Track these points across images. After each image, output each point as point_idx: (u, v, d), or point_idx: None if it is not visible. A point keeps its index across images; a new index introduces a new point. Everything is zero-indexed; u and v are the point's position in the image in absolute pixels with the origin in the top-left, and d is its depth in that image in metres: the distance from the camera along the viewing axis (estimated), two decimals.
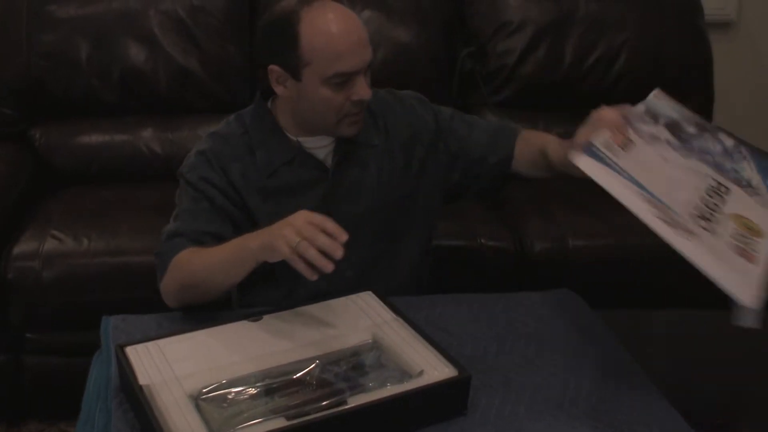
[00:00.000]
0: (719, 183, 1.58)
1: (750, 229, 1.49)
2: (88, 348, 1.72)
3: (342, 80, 1.59)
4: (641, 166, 1.49)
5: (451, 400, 1.39)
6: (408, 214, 1.82)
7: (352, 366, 1.42)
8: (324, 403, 1.32)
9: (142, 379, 1.37)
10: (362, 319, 1.55)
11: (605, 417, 1.41)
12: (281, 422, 1.28)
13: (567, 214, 2.58)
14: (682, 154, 1.61)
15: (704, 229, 1.42)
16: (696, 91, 3.01)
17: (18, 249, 2.34)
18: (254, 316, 1.56)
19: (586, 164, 1.49)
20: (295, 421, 1.28)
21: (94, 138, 2.80)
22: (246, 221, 1.72)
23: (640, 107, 1.71)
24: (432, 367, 1.40)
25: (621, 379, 1.51)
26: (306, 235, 1.40)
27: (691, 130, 1.68)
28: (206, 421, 1.29)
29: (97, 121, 2.82)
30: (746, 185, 1.61)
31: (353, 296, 1.62)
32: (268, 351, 1.46)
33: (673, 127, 1.65)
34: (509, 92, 2.95)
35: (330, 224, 1.42)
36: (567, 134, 2.83)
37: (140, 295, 2.19)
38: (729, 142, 1.71)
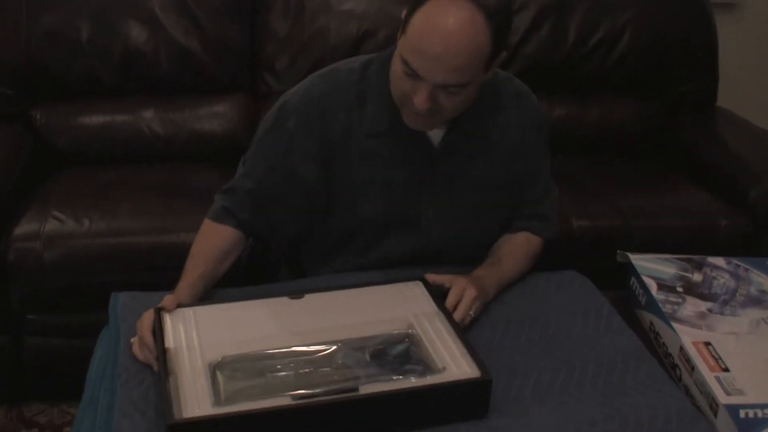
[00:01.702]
0: None
1: None
2: (90, 329, 1.72)
3: (410, 71, 1.48)
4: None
5: (469, 401, 1.34)
6: (492, 220, 1.78)
7: (377, 354, 1.39)
8: (333, 387, 1.30)
9: (168, 342, 1.40)
10: (403, 308, 1.52)
11: (612, 401, 1.40)
12: (285, 401, 1.27)
13: (570, 195, 2.52)
14: (731, 312, 1.58)
15: None
16: (701, 72, 3.00)
17: (19, 230, 2.32)
18: (297, 293, 1.55)
19: None
20: (298, 402, 1.27)
21: (95, 119, 2.78)
22: (320, 186, 1.68)
23: (633, 282, 1.69)
24: (455, 366, 1.36)
25: (628, 362, 1.49)
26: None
27: (695, 277, 1.66)
28: (216, 391, 1.29)
29: (98, 102, 2.79)
30: None
31: (402, 284, 1.59)
32: (298, 329, 1.45)
33: (692, 288, 1.63)
34: (512, 71, 2.74)
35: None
36: (568, 116, 2.90)
37: (142, 275, 2.23)
38: (724, 265, 1.71)
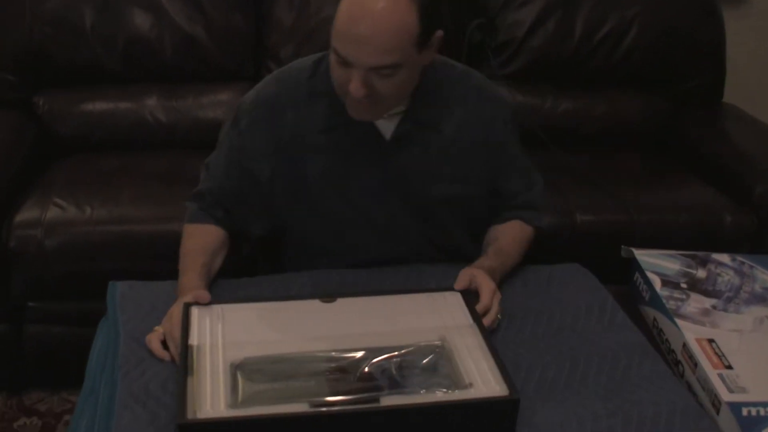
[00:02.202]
0: None
1: None
2: (91, 317, 1.70)
3: (341, 59, 1.47)
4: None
5: (495, 420, 1.28)
6: (460, 214, 1.76)
7: (404, 365, 1.33)
8: (353, 397, 1.26)
9: (192, 339, 1.38)
10: (436, 319, 1.48)
11: (615, 396, 1.38)
12: (302, 408, 1.22)
13: (575, 189, 2.55)
14: (735, 309, 1.56)
15: None
16: (707, 67, 2.98)
17: (20, 217, 2.30)
18: (329, 296, 1.52)
19: None
20: (315, 410, 1.22)
21: (98, 106, 2.76)
22: (278, 180, 1.68)
23: (637, 278, 1.67)
24: (483, 382, 1.30)
25: (631, 358, 1.47)
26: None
27: (699, 273, 1.64)
28: (234, 393, 1.26)
29: (101, 89, 2.78)
30: None
31: (439, 293, 1.55)
32: (326, 334, 1.42)
33: (696, 284, 1.61)
34: (518, 65, 2.90)
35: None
36: (574, 110, 2.89)
37: (143, 263, 2.24)
38: (729, 261, 1.69)
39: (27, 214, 2.32)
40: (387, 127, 1.64)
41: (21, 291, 2.34)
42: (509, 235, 1.74)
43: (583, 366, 1.45)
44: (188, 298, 1.49)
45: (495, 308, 1.52)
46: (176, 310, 1.47)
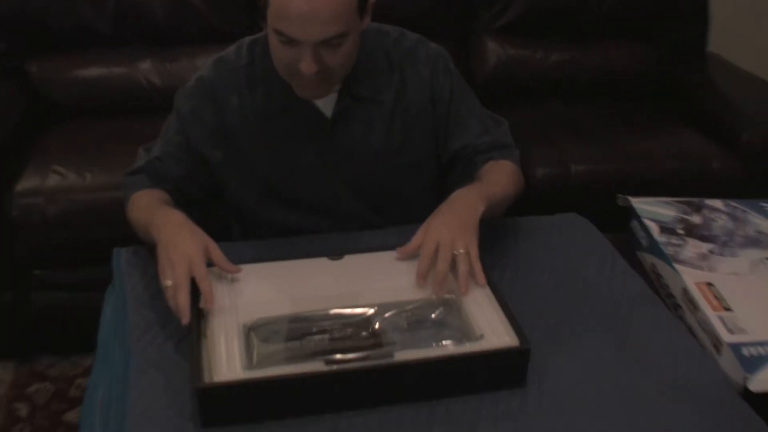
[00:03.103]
0: None
1: None
2: (96, 283, 1.70)
3: (286, 39, 1.41)
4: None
5: (507, 370, 1.26)
6: (413, 182, 1.70)
7: (414, 319, 1.31)
8: (368, 353, 1.24)
9: (203, 302, 1.34)
10: (402, 260, 1.45)
11: (621, 341, 1.38)
12: (318, 366, 1.21)
13: (569, 140, 2.54)
14: (731, 253, 1.54)
15: None
16: (692, 17, 2.98)
17: (21, 186, 2.29)
18: (337, 254, 1.49)
19: None
20: (331, 368, 1.21)
21: (91, 71, 2.73)
22: (230, 166, 1.65)
23: (635, 225, 1.64)
24: (493, 333, 1.28)
25: (634, 303, 1.46)
26: (175, 283, 1.32)
27: (695, 219, 1.62)
28: (249, 354, 1.25)
29: (94, 54, 2.74)
30: None
31: None
32: (336, 292, 1.39)
33: (692, 230, 1.60)
34: (509, 18, 2.88)
35: (204, 284, 1.33)
36: (565, 61, 2.86)
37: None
38: (722, 207, 1.68)
39: (27, 182, 2.30)
40: (327, 105, 1.60)
41: (26, 259, 2.33)
42: (484, 171, 1.65)
43: (588, 313, 1.44)
44: (194, 245, 1.37)
45: (442, 261, 1.36)
46: (180, 261, 1.34)
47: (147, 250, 1.60)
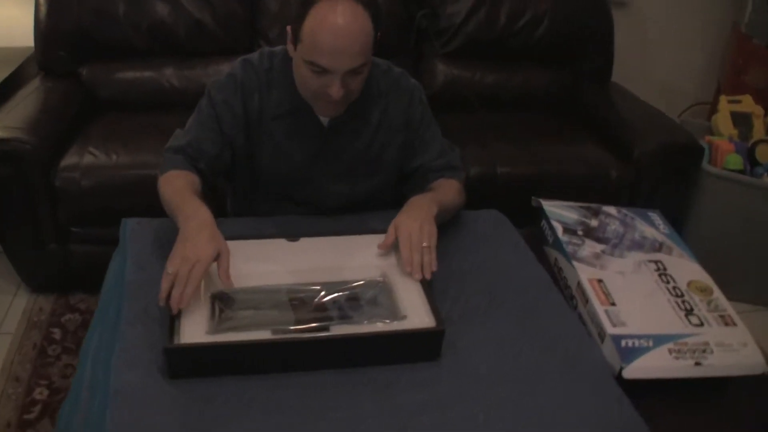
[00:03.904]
0: (654, 261, 1.37)
1: (703, 291, 1.30)
2: (118, 240, 1.53)
3: (319, 70, 1.32)
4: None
5: (424, 347, 1.15)
6: (380, 184, 1.59)
7: (352, 297, 1.19)
8: (308, 326, 1.13)
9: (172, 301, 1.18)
10: (382, 257, 1.31)
11: (525, 322, 1.24)
12: (265, 335, 1.10)
13: (497, 144, 2.40)
14: (619, 254, 1.38)
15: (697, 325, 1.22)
16: (599, 53, 2.82)
17: (63, 163, 2.18)
18: (294, 236, 1.36)
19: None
20: (275, 337, 1.10)
21: (128, 75, 2.57)
22: (245, 151, 1.51)
23: (544, 224, 1.49)
24: (416, 314, 1.17)
25: (538, 290, 1.32)
26: (174, 274, 1.15)
27: (593, 223, 1.47)
28: (212, 321, 1.13)
29: (131, 62, 2.57)
30: (658, 245, 1.43)
31: (383, 234, 1.34)
32: (290, 269, 1.27)
33: (589, 232, 1.44)
34: (456, 45, 2.72)
35: (189, 289, 1.14)
36: (497, 81, 2.71)
37: (158, 201, 2.06)
38: (615, 213, 1.51)
39: (69, 160, 2.20)
40: (325, 117, 1.49)
41: (66, 219, 2.23)
42: (436, 185, 1.55)
43: (500, 296, 1.31)
44: (212, 247, 1.19)
45: (415, 249, 1.27)
46: (201, 249, 1.17)
47: (149, 222, 1.47)
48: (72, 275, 2.32)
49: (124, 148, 2.23)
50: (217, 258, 1.19)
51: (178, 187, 1.38)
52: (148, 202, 1.78)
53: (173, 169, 1.45)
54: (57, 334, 2.21)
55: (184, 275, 1.14)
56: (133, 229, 1.46)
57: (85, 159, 2.18)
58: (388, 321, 1.15)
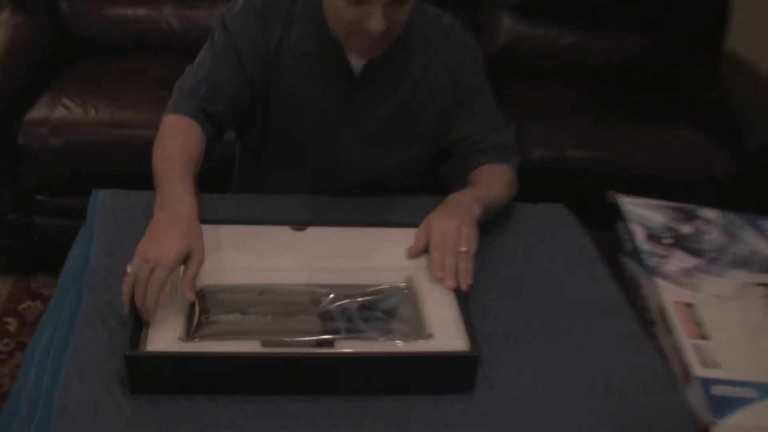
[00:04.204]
0: (765, 284, 1.33)
1: None
2: None
3: (356, 0, 1.34)
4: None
5: (451, 375, 1.11)
6: (411, 155, 1.59)
7: (366, 306, 1.17)
8: (309, 338, 1.10)
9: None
10: (412, 259, 1.28)
11: (584, 355, 1.19)
12: (253, 346, 1.08)
13: (569, 124, 2.38)
14: (718, 272, 1.33)
15: None
16: (711, 10, 2.76)
17: (30, 115, 2.22)
18: (301, 224, 1.35)
19: None
20: (265, 350, 1.08)
21: (119, 11, 2.60)
22: (261, 95, 1.52)
23: (620, 226, 1.46)
24: (445, 333, 1.13)
25: (606, 314, 1.28)
26: (138, 277, 1.11)
27: (685, 229, 1.43)
28: (188, 323, 1.11)
29: None
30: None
31: (414, 230, 1.33)
32: (292, 265, 1.26)
33: (680, 241, 1.40)
34: None
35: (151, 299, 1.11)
36: (576, 44, 2.68)
37: (143, 168, 2.03)
38: (716, 218, 1.48)
39: (37, 112, 2.23)
40: (357, 62, 1.49)
41: (30, 185, 2.27)
42: (480, 174, 1.53)
43: (555, 318, 1.26)
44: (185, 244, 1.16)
45: (450, 254, 1.26)
46: (168, 248, 1.14)
47: (125, 195, 1.47)
48: (34, 253, 2.35)
49: (106, 102, 2.25)
50: (186, 261, 1.15)
51: (170, 153, 1.36)
52: (132, 171, 1.79)
53: (176, 112, 1.45)
54: (12, 325, 2.22)
55: (142, 281, 1.11)
56: (104, 203, 1.45)
57: (57, 112, 2.21)
58: (408, 339, 1.12)
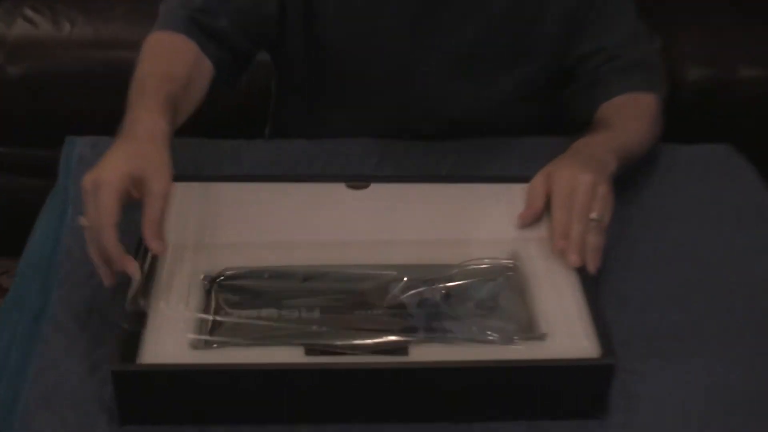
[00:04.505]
0: None
1: None
2: None
3: None
4: None
5: (576, 392, 1.11)
6: (524, 83, 1.62)
7: (452, 294, 1.17)
8: (372, 341, 1.10)
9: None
10: (509, 225, 1.29)
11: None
12: (295, 355, 1.08)
13: (741, 30, 2.39)
14: None
15: None
16: None
17: None
18: (359, 180, 1.37)
19: None
20: (311, 360, 1.08)
21: None
22: (301, 5, 1.55)
23: None
24: (565, 333, 1.13)
25: None
26: (92, 224, 1.13)
27: None
28: (203, 323, 1.12)
29: None
30: None
31: (519, 186, 1.34)
32: (345, 238, 1.28)
33: None
34: None
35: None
36: None
37: None
38: None
39: None
40: None
41: None
42: (617, 109, 1.54)
43: (724, 304, 1.26)
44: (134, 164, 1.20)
45: (576, 229, 1.25)
46: (107, 181, 1.16)
47: (111, 144, 1.43)
48: None
49: (85, 13, 2.32)
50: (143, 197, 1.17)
51: (140, 76, 1.39)
52: (120, 109, 1.83)
53: (165, 29, 1.48)
54: None
55: (91, 220, 1.13)
56: (82, 155, 1.49)
57: (16, 28, 2.27)
58: (513, 341, 1.13)
